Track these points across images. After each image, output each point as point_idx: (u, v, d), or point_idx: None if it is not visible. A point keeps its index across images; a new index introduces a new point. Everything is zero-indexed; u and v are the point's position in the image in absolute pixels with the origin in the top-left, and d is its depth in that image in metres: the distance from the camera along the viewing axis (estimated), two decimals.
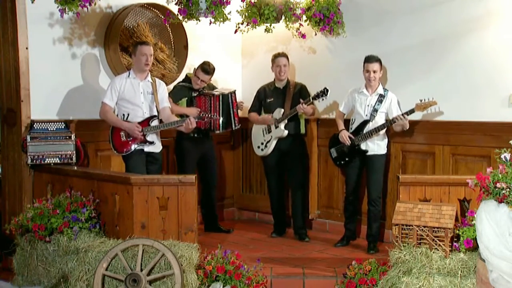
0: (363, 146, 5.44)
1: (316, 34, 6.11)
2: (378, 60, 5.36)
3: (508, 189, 3.38)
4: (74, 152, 5.32)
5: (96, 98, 5.48)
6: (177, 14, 5.53)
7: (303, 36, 5.95)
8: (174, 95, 5.86)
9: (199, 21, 5.54)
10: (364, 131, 5.40)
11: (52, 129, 5.33)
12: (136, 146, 5.26)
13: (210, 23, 5.52)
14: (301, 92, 5.90)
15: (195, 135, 5.92)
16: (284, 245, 5.71)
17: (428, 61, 5.47)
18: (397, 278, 3.99)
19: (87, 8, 5.05)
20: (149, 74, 5.43)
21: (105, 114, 5.29)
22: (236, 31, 5.95)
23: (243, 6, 5.85)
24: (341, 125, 5.60)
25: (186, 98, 5.90)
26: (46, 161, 5.24)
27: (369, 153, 5.44)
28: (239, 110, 6.06)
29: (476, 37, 5.15)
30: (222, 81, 6.68)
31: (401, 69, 5.63)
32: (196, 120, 5.29)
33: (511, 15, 4.94)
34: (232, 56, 6.96)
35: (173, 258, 4.09)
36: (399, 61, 5.64)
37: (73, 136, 5.34)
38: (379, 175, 5.48)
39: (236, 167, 7.04)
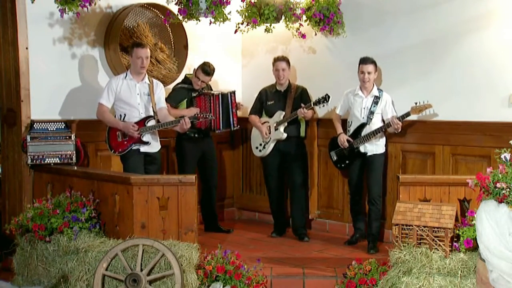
0: (362, 149, 5.50)
1: (316, 34, 6.11)
2: (373, 62, 5.41)
3: (508, 189, 3.38)
4: (74, 152, 5.32)
5: (96, 98, 5.46)
6: (177, 14, 5.53)
7: (303, 36, 5.95)
8: (173, 98, 5.85)
9: (199, 21, 5.54)
10: (362, 134, 5.46)
11: (52, 129, 5.34)
12: (132, 146, 5.26)
13: (210, 23, 5.52)
14: (302, 96, 5.90)
15: (195, 135, 5.93)
16: (284, 245, 5.71)
17: (428, 61, 5.46)
18: (397, 278, 3.99)
19: (87, 8, 5.06)
20: (147, 76, 5.43)
21: (102, 115, 5.31)
22: (236, 31, 5.95)
23: (243, 6, 5.84)
24: (339, 129, 5.67)
25: (186, 100, 5.90)
26: (46, 161, 5.24)
27: (368, 154, 5.49)
28: (238, 111, 6.06)
29: (476, 37, 5.15)
30: (222, 81, 6.68)
31: (401, 69, 5.63)
32: (191, 120, 5.28)
33: (511, 15, 4.93)
34: (232, 56, 6.96)
35: (173, 258, 4.09)
36: (399, 61, 5.64)
37: (73, 136, 5.34)
38: (378, 174, 5.51)
39: (236, 167, 7.04)
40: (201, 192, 6.15)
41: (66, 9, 4.88)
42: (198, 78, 5.86)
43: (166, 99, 5.71)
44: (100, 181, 4.80)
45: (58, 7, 4.89)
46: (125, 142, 5.27)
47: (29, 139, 5.19)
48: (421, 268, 3.93)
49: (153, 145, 5.38)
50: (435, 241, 3.99)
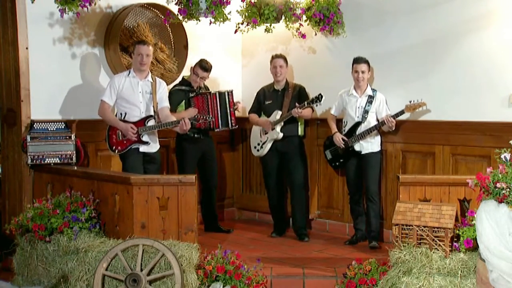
0: (357, 147, 5.55)
1: (316, 34, 6.11)
2: (366, 62, 5.49)
3: (508, 189, 3.38)
4: (74, 152, 5.32)
5: (96, 98, 5.47)
6: (177, 14, 5.53)
7: (303, 36, 5.95)
8: (171, 101, 5.81)
9: (199, 21, 5.54)
10: (357, 133, 5.51)
11: (52, 129, 5.34)
12: (131, 145, 5.26)
13: (210, 23, 5.52)
14: (299, 95, 5.91)
15: (195, 135, 5.93)
16: (284, 245, 5.71)
17: (428, 61, 5.46)
18: (397, 278, 3.99)
19: (87, 8, 5.06)
20: (150, 74, 5.42)
21: (103, 113, 5.31)
22: (236, 31, 5.96)
23: (243, 6, 5.85)
24: (334, 128, 5.74)
25: (184, 101, 5.89)
26: (46, 161, 5.24)
27: (363, 152, 5.54)
28: (236, 111, 6.05)
29: (476, 37, 5.15)
30: (222, 81, 6.69)
31: (401, 69, 5.63)
32: (191, 121, 5.28)
33: (511, 15, 4.93)
34: (232, 56, 6.96)
35: (173, 258, 4.09)
36: (399, 61, 5.64)
37: (73, 136, 5.34)
38: (375, 171, 5.57)
39: (236, 167, 7.04)
40: (201, 192, 6.15)
41: (66, 9, 4.88)
42: (197, 75, 5.86)
43: None
44: (100, 181, 4.80)
45: (58, 7, 4.89)
46: (125, 142, 5.27)
47: (29, 139, 5.19)
48: (421, 268, 3.93)
49: (152, 145, 5.38)
50: (435, 241, 3.99)
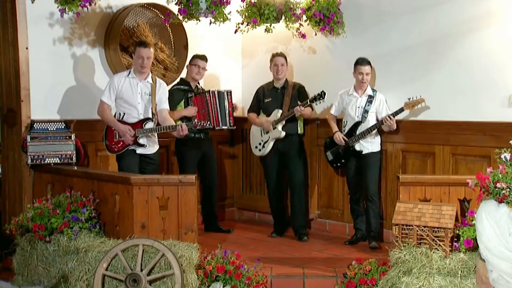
0: (357, 147, 5.56)
1: (316, 34, 6.11)
2: (369, 63, 5.51)
3: (508, 189, 3.38)
4: (74, 152, 5.32)
5: (96, 98, 5.47)
6: (177, 14, 5.53)
7: (303, 36, 5.95)
8: (171, 100, 5.80)
9: (199, 21, 5.54)
10: (357, 132, 5.51)
11: (52, 129, 5.33)
12: (128, 147, 5.25)
13: (210, 23, 5.52)
14: (299, 93, 5.91)
15: (195, 135, 5.92)
16: (284, 245, 5.71)
17: (428, 61, 5.46)
18: (397, 278, 3.99)
19: (87, 8, 5.06)
20: (150, 75, 5.41)
21: (102, 113, 5.29)
22: (236, 31, 5.96)
23: (243, 6, 5.85)
24: (334, 127, 5.74)
25: (183, 100, 5.89)
26: (46, 161, 5.24)
27: (364, 152, 5.55)
28: (235, 112, 6.04)
29: (476, 37, 5.15)
30: (222, 81, 6.68)
31: (401, 69, 5.63)
32: (189, 127, 5.26)
33: (511, 15, 4.93)
34: (232, 56, 6.96)
35: (173, 258, 4.09)
36: (399, 61, 5.64)
37: (73, 136, 5.34)
38: (375, 171, 5.57)
39: (236, 167, 7.04)
40: (201, 192, 6.15)
41: (66, 9, 4.88)
42: (197, 66, 5.86)
43: None
44: (100, 181, 4.80)
45: (58, 7, 4.89)
46: (122, 143, 5.25)
47: (29, 139, 5.19)
48: (421, 268, 3.93)
49: (149, 147, 5.35)
50: (435, 241, 3.99)
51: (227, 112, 5.94)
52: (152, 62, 6.07)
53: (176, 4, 5.49)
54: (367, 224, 5.62)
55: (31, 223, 4.61)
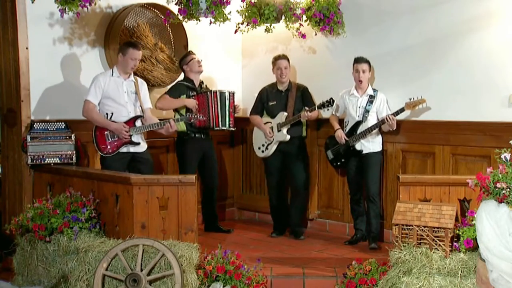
0: (358, 146, 5.56)
1: (316, 34, 6.11)
2: (367, 61, 5.51)
3: (508, 189, 3.38)
4: (74, 152, 5.32)
5: None
6: (177, 14, 5.53)
7: (303, 36, 5.95)
8: (174, 92, 5.85)
9: (199, 21, 5.54)
10: (358, 132, 5.50)
11: (52, 129, 5.33)
12: (121, 148, 5.22)
13: (210, 23, 5.52)
14: (303, 95, 5.90)
15: (196, 135, 5.93)
16: (284, 245, 5.71)
17: (428, 61, 5.46)
18: (397, 278, 3.99)
19: (87, 8, 5.05)
20: (132, 74, 5.40)
21: (90, 113, 5.21)
22: (236, 31, 5.95)
23: (243, 6, 5.84)
24: (336, 125, 5.74)
25: (185, 96, 5.90)
26: (46, 161, 5.24)
27: (364, 152, 5.54)
28: (236, 113, 6.03)
29: (476, 37, 5.15)
30: (222, 81, 6.68)
31: (401, 69, 5.63)
32: (184, 121, 5.25)
33: (511, 15, 4.93)
34: (232, 56, 6.96)
35: (173, 258, 4.09)
36: (399, 61, 5.64)
37: (73, 136, 5.33)
38: (375, 171, 5.56)
39: (236, 167, 7.04)
40: (202, 192, 6.15)
41: (66, 9, 4.88)
42: (196, 59, 5.88)
43: (167, 92, 5.77)
44: (100, 181, 4.80)
45: (58, 7, 4.89)
46: (115, 143, 5.22)
47: (29, 139, 5.19)
48: (421, 268, 3.93)
49: (142, 145, 5.36)
50: (435, 241, 3.99)
51: (228, 113, 5.93)
52: (152, 62, 6.09)
53: (176, 4, 5.49)
54: (367, 225, 5.63)
55: (31, 223, 4.61)
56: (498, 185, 3.41)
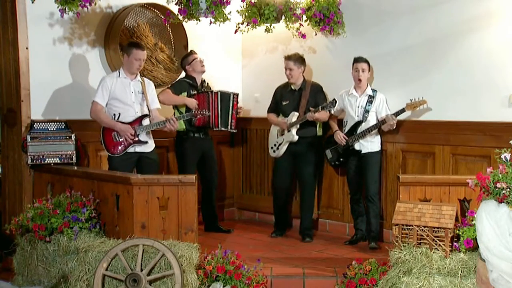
0: (356, 146, 5.58)
1: (316, 34, 6.11)
2: (366, 61, 5.52)
3: (508, 189, 3.38)
4: (74, 152, 5.32)
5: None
6: (177, 14, 5.53)
7: (303, 36, 5.95)
8: (176, 88, 5.85)
9: (199, 21, 5.54)
10: (358, 132, 5.51)
11: (52, 129, 5.33)
12: (129, 148, 5.23)
13: (210, 23, 5.52)
14: (316, 95, 5.83)
15: (195, 134, 5.93)
16: (284, 245, 5.71)
17: (428, 61, 5.47)
18: (397, 278, 3.99)
19: (87, 8, 5.06)
20: (139, 74, 5.41)
21: (98, 114, 5.24)
22: (236, 31, 5.96)
23: (243, 6, 5.85)
24: (334, 126, 5.75)
25: (186, 94, 5.90)
26: (46, 161, 5.24)
27: (363, 152, 5.55)
28: (238, 114, 6.02)
29: (476, 37, 5.15)
30: (222, 81, 6.68)
31: (401, 69, 5.64)
32: (189, 117, 5.25)
33: (511, 15, 4.93)
34: (232, 56, 6.96)
35: (173, 258, 4.09)
36: (399, 61, 5.64)
37: (73, 136, 5.34)
38: (375, 171, 5.57)
39: (236, 167, 7.04)
40: (202, 192, 6.14)
41: (66, 9, 4.88)
42: (199, 59, 5.88)
43: (170, 87, 5.80)
44: (100, 181, 4.80)
45: (58, 7, 4.89)
46: (123, 143, 5.24)
47: (29, 139, 5.19)
48: (421, 268, 3.93)
49: (150, 144, 5.37)
50: (435, 241, 3.99)
51: (229, 114, 5.92)
52: (152, 62, 6.10)
53: (176, 4, 5.49)
54: (367, 224, 5.63)
55: (31, 223, 4.61)
56: (498, 185, 3.41)
